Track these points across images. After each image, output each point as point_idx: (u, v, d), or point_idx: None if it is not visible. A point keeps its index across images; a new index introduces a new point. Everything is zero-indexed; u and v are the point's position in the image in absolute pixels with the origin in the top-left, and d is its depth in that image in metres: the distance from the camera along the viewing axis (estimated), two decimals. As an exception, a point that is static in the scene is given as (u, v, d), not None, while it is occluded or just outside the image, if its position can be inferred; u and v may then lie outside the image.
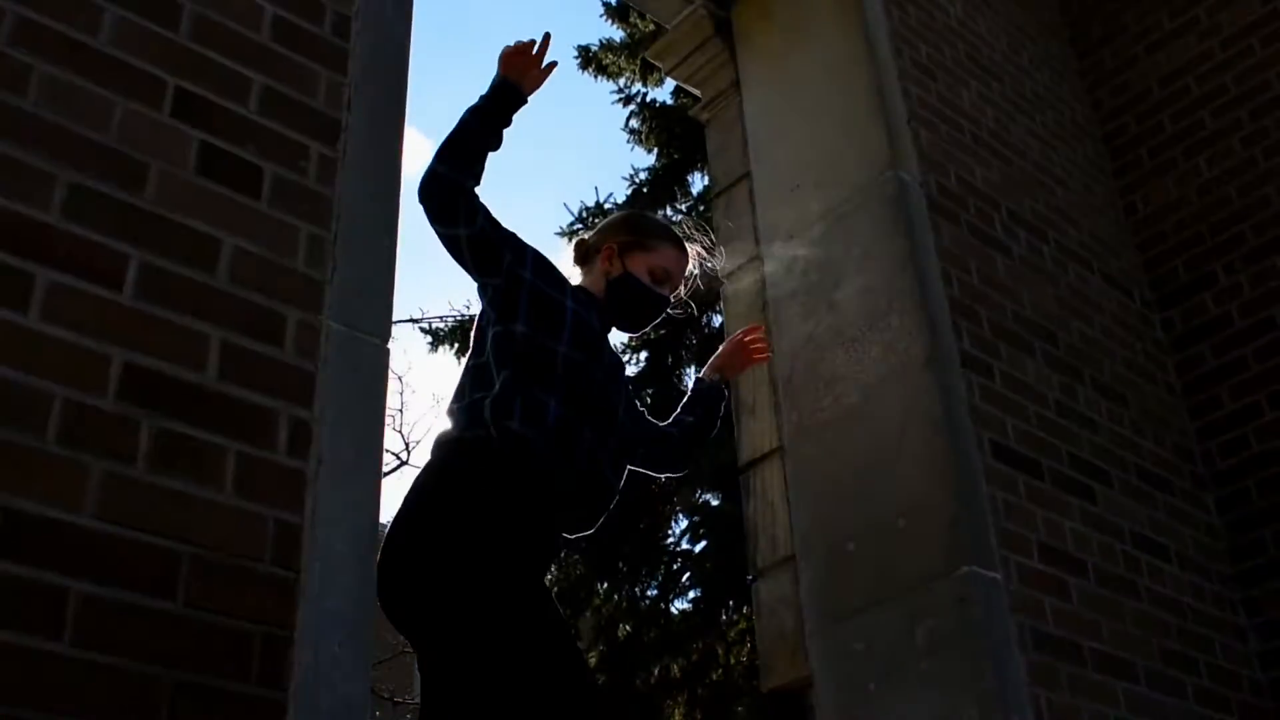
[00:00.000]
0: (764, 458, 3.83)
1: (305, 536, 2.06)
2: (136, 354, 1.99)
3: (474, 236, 2.41)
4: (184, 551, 1.90)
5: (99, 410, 1.91)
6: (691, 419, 2.92)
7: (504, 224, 2.52)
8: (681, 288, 2.82)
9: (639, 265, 2.72)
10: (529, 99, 2.55)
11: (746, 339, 3.08)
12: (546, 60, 2.56)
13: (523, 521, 2.20)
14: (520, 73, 2.52)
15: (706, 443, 2.99)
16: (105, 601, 1.79)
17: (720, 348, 3.10)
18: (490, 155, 2.46)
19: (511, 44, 2.53)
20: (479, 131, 2.46)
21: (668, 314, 2.81)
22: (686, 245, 2.84)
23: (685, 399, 2.98)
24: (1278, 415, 4.25)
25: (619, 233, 2.80)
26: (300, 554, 2.04)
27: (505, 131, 2.52)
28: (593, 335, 2.55)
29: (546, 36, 2.55)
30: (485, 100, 2.50)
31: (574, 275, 2.78)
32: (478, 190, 2.46)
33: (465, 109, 2.48)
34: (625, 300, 2.71)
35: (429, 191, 2.38)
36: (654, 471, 2.88)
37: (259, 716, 1.88)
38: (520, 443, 2.25)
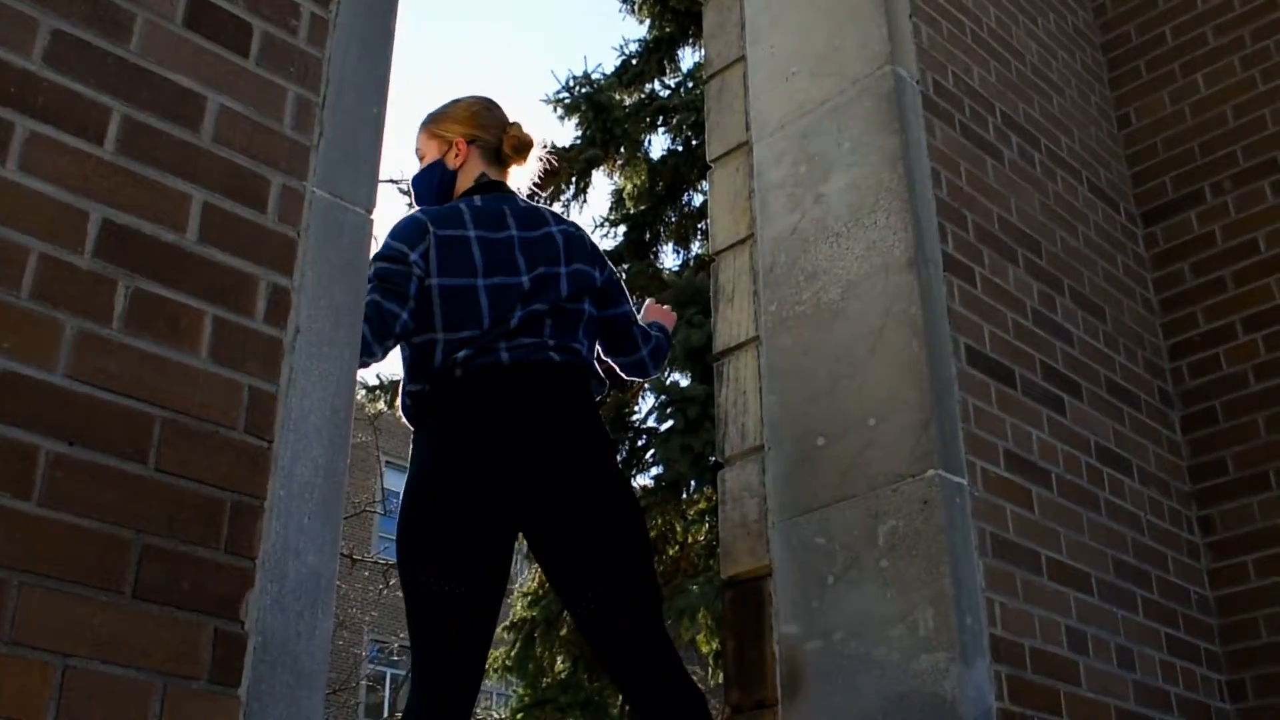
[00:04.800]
0: (739, 346, 3.82)
1: (280, 406, 2.04)
2: (116, 211, 1.95)
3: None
4: (156, 415, 1.88)
5: (75, 268, 1.87)
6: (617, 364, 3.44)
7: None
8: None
9: None
10: None
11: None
12: None
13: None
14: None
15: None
16: (75, 462, 1.78)
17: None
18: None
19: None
20: None
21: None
22: None
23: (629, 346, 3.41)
24: (1251, 339, 4.27)
25: None
26: (274, 423, 2.02)
27: None
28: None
29: None
30: None
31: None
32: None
33: None
34: None
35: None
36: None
37: (226, 584, 1.88)
38: None
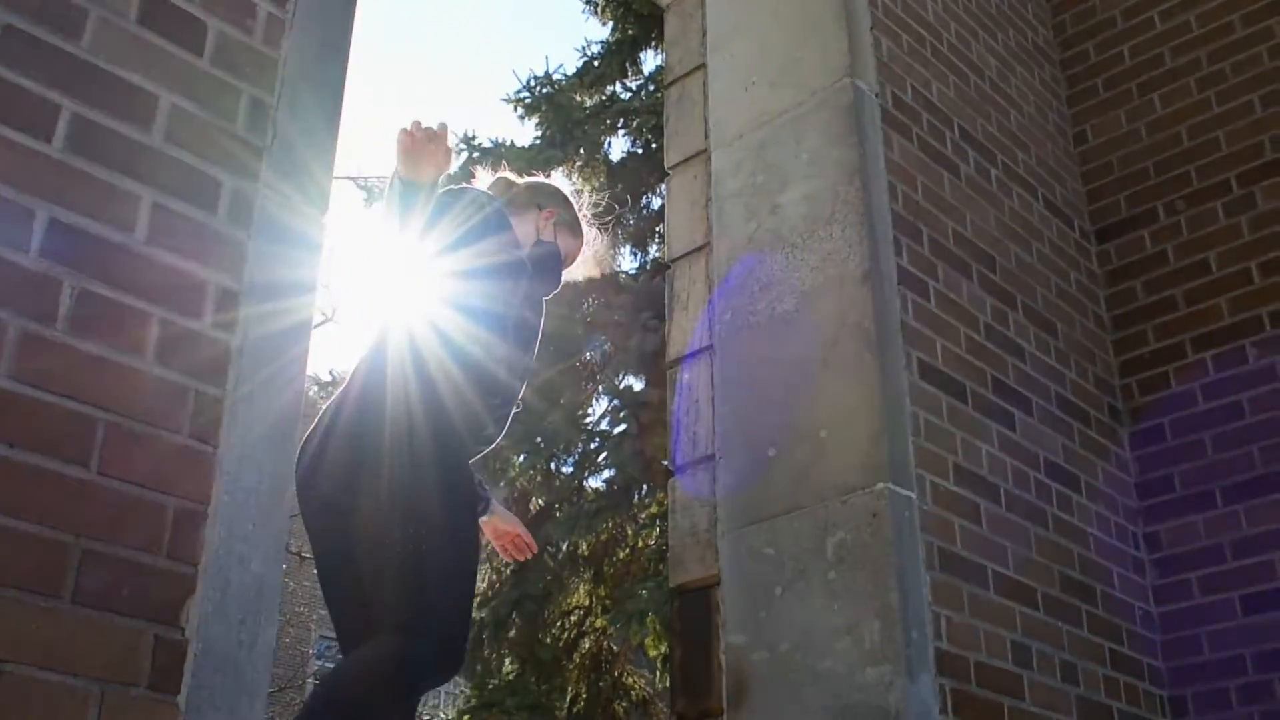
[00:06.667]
0: (693, 355, 3.82)
1: (226, 411, 2.02)
2: (63, 210, 1.92)
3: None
4: (100, 418, 1.86)
5: (19, 267, 1.84)
6: None
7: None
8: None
9: (566, 243, 3.29)
10: (437, 181, 2.70)
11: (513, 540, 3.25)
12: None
13: None
14: (416, 164, 2.64)
15: None
16: (16, 464, 1.75)
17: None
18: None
19: (403, 131, 2.63)
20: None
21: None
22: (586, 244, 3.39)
23: None
24: (1200, 357, 4.32)
25: (558, 204, 3.30)
26: (220, 429, 2.00)
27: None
28: None
29: (442, 128, 2.65)
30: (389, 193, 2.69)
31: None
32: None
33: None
34: (548, 267, 3.15)
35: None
36: None
37: (167, 590, 1.86)
38: None
